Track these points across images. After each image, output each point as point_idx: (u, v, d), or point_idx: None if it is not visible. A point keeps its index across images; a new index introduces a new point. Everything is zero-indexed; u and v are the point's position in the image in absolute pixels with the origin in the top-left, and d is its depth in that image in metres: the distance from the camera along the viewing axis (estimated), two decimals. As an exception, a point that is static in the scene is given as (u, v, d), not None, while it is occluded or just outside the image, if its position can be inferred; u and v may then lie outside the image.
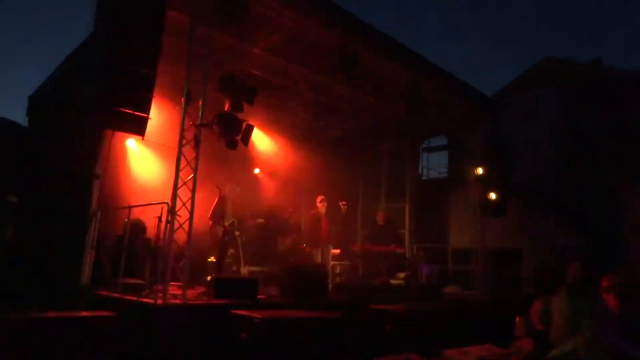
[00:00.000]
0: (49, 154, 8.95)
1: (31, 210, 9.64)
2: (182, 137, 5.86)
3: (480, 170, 10.63)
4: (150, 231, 7.65)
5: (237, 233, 8.41)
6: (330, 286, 8.00)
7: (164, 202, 5.86)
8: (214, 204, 8.33)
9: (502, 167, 10.72)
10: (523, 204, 13.48)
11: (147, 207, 6.74)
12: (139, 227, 7.87)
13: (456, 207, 13.20)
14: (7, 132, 14.81)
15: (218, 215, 8.20)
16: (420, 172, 14.47)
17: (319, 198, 9.43)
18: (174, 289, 5.93)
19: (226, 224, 8.13)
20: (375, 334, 6.28)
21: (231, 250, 8.54)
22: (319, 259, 9.11)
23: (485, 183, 10.58)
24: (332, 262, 9.25)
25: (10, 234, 12.06)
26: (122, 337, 4.68)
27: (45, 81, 10.49)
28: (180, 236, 5.77)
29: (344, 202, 9.77)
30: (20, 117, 11.65)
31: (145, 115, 5.65)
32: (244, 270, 8.41)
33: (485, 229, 10.61)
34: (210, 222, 8.30)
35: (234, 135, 6.44)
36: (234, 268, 8.38)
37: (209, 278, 6.93)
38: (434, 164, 20.22)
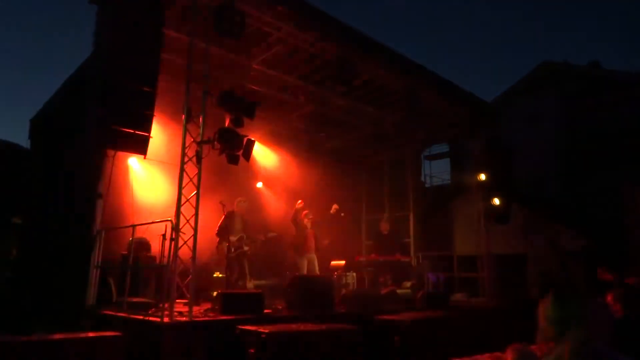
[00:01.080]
0: (52, 176, 8.99)
1: (35, 232, 9.66)
2: (183, 154, 5.88)
3: (482, 177, 10.63)
4: (155, 249, 7.65)
5: (246, 248, 8.35)
6: (336, 297, 7.97)
7: (168, 220, 5.87)
8: (220, 220, 8.31)
9: (504, 173, 10.73)
10: (526, 209, 13.46)
11: (151, 225, 6.75)
12: (143, 246, 7.87)
13: (460, 214, 13.19)
14: (10, 155, 14.89)
15: (225, 230, 8.17)
16: (423, 180, 14.47)
17: (304, 212, 9.46)
18: (180, 306, 5.92)
19: (233, 239, 8.11)
20: (383, 345, 6.25)
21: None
22: (304, 269, 9.12)
23: (488, 189, 10.58)
24: (337, 273, 9.23)
25: (14, 255, 12.08)
26: (130, 357, 4.67)
27: (46, 104, 10.55)
28: (185, 253, 5.77)
29: (336, 206, 9.74)
30: (23, 140, 11.72)
31: (147, 133, 5.69)
32: (250, 284, 8.38)
33: (490, 235, 10.59)
34: (217, 238, 8.28)
35: (236, 151, 6.47)
36: (240, 283, 8.35)
37: (214, 294, 6.91)
38: (437, 172, 20.20)
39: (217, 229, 8.25)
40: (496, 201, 10.36)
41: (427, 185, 17.15)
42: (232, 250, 8.05)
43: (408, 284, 9.78)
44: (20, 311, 7.80)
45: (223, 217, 8.25)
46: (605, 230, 13.05)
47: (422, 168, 14.24)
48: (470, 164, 11.69)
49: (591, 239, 12.86)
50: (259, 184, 11.38)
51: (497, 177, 10.54)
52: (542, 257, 13.03)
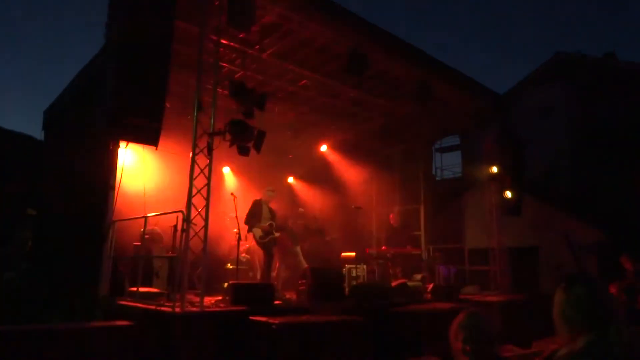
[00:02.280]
0: (65, 167, 9.08)
1: (49, 223, 9.79)
2: (195, 145, 5.90)
3: (494, 169, 10.55)
4: (167, 240, 7.71)
5: (276, 234, 8.42)
6: (346, 289, 7.98)
7: (179, 211, 5.90)
8: (248, 209, 8.39)
9: (516, 165, 10.63)
10: (539, 201, 13.34)
11: (162, 216, 6.80)
12: (155, 237, 7.93)
13: (471, 206, 13.11)
14: (25, 147, 15.05)
15: (252, 218, 8.25)
16: (434, 172, 14.40)
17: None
18: (191, 296, 5.96)
19: (264, 226, 8.19)
20: (393, 337, 6.25)
21: (247, 256, 8.56)
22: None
23: (500, 181, 10.50)
24: (348, 266, 9.23)
25: (29, 246, 12.23)
26: (141, 346, 4.72)
27: (59, 96, 10.64)
28: (197, 244, 5.81)
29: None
30: (37, 132, 11.84)
31: (159, 125, 5.70)
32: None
33: (502, 228, 10.52)
34: (247, 227, 8.34)
35: (246, 142, 6.47)
36: (250, 274, 8.40)
37: (226, 285, 6.96)
38: (448, 164, 20.08)
39: (244, 217, 8.30)
40: (508, 194, 10.28)
41: (438, 178, 17.08)
42: (265, 236, 8.15)
43: (419, 276, 9.75)
44: (35, 301, 7.92)
45: (250, 205, 8.34)
46: (619, 223, 12.91)
47: (433, 160, 14.16)
48: (482, 157, 11.59)
49: (604, 231, 12.73)
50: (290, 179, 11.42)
51: (508, 170, 10.45)
52: (554, 249, 12.92)
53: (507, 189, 10.31)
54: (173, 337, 5.05)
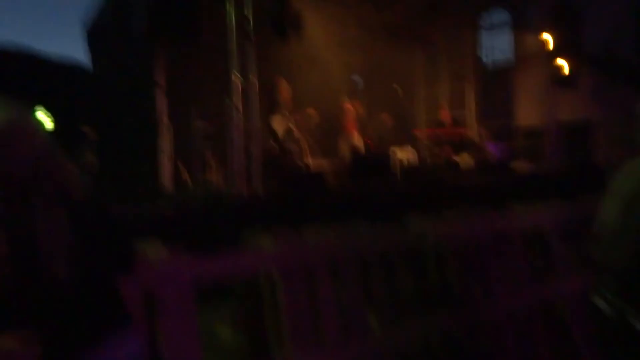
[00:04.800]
0: (114, 89, 9.29)
1: (106, 139, 10.26)
2: (234, 32, 5.83)
3: (549, 42, 9.91)
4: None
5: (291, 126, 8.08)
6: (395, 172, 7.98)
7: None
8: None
9: (572, 35, 10.00)
10: (596, 73, 12.61)
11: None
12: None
13: (522, 82, 12.60)
14: (78, 76, 15.36)
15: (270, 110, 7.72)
16: (481, 52, 13.79)
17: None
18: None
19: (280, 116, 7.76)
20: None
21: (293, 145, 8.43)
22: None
23: (554, 53, 9.93)
24: (392, 148, 9.14)
25: (89, 160, 12.97)
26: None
27: (99, 13, 10.56)
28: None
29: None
30: (80, 52, 11.94)
31: (196, 19, 5.69)
32: (309, 161, 8.23)
33: (555, 102, 10.10)
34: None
35: (284, 24, 6.31)
36: (299, 162, 8.19)
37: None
38: (497, 44, 19.13)
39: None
40: (563, 64, 9.76)
41: (486, 58, 16.31)
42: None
43: (468, 155, 9.67)
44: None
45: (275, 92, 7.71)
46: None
47: (479, 39, 13.48)
48: (534, 29, 10.90)
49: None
50: None
51: (564, 40, 9.83)
52: (612, 123, 12.40)
53: (561, 60, 9.77)
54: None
